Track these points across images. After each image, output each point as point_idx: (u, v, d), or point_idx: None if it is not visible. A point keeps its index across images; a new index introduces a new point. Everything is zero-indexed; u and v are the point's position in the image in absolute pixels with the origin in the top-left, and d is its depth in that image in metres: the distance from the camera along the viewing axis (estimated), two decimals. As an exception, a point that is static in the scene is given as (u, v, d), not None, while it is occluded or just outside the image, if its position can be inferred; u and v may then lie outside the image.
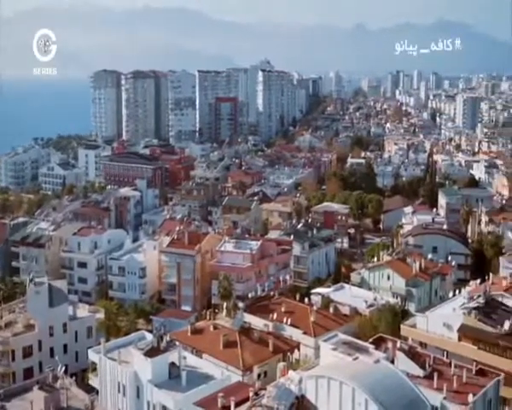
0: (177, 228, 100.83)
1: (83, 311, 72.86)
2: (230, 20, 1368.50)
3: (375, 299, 73.04)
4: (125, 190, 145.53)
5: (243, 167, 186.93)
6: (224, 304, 68.75)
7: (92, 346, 60.10)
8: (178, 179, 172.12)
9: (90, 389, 55.81)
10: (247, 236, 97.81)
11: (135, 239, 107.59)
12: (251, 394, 46.27)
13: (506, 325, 57.47)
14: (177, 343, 53.94)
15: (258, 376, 55.28)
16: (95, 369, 55.86)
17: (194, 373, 50.83)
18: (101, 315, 74.06)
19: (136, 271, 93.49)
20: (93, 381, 56.36)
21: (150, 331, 61.84)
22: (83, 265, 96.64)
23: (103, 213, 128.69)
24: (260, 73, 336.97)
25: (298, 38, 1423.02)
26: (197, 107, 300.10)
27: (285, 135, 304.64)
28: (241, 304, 68.36)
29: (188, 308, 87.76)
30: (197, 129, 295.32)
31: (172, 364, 50.05)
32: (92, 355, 55.90)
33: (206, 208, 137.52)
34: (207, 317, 66.62)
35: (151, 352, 49.64)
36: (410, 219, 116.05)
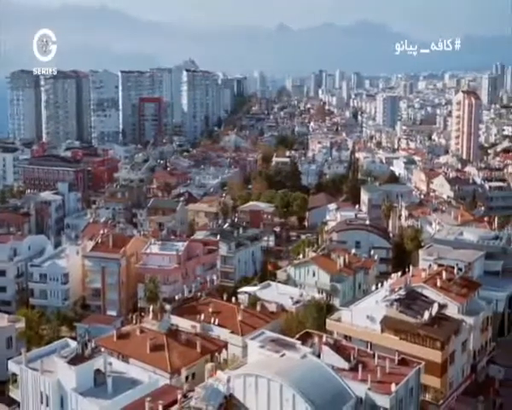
0: (101, 232, 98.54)
1: (2, 321, 69.99)
2: (153, 20, 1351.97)
3: (301, 295, 74.14)
4: (46, 194, 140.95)
5: (168, 168, 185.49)
6: (151, 307, 67.62)
7: (13, 357, 57.69)
8: (102, 182, 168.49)
9: (11, 402, 53.86)
10: (173, 237, 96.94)
11: (57, 244, 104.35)
12: (179, 396, 45.96)
13: (426, 315, 59.59)
14: (103, 349, 52.81)
15: (187, 378, 54.90)
16: (15, 380, 53.76)
17: (120, 379, 49.79)
18: (21, 324, 71.27)
19: (58, 277, 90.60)
20: (14, 393, 54.21)
21: (74, 339, 60.15)
22: (1, 273, 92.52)
23: (23, 218, 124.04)
24: (185, 73, 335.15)
25: (221, 38, 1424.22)
26: (120, 107, 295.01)
27: (210, 135, 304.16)
28: (167, 306, 67.58)
29: (113, 313, 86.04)
30: (120, 130, 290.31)
31: (98, 371, 48.87)
32: (12, 366, 53.70)
33: (131, 211, 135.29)
34: (134, 321, 65.39)
35: (75, 359, 48.30)
36: (334, 215, 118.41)
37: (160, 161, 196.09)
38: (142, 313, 72.26)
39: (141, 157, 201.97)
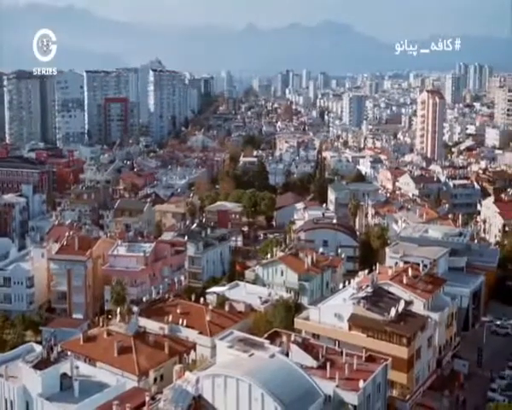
0: (67, 234, 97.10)
1: (-36, 327, 68.46)
2: (120, 20, 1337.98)
3: (269, 295, 74.27)
4: (9, 197, 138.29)
5: (135, 169, 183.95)
6: (118, 309, 67.10)
7: (-25, 363, 56.41)
8: (67, 183, 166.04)
9: (-26, 409, 52.48)
10: (140, 238, 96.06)
11: (21, 247, 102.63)
12: (147, 399, 45.62)
13: (392, 312, 60.39)
14: (69, 353, 51.99)
15: (155, 380, 54.58)
16: (-22, 387, 52.56)
17: (87, 383, 49.17)
18: (-16, 330, 69.93)
19: (22, 280, 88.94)
20: (-23, 400, 53.05)
21: (40, 343, 59.09)
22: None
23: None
24: (151, 73, 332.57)
25: (188, 37, 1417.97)
26: (85, 108, 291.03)
27: (177, 135, 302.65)
28: (135, 308, 66.99)
29: (79, 316, 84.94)
30: (86, 131, 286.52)
31: (64, 375, 48.17)
32: (-25, 373, 52.53)
33: (98, 212, 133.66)
34: (100, 324, 64.78)
35: (40, 364, 47.53)
36: (302, 214, 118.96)
37: (126, 162, 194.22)
38: (109, 316, 71.89)
39: (107, 158, 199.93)
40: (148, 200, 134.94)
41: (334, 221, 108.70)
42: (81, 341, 60.01)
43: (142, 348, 57.73)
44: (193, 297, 72.30)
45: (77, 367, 49.91)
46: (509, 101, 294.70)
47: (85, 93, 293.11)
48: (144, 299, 71.89)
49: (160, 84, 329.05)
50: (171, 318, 64.30)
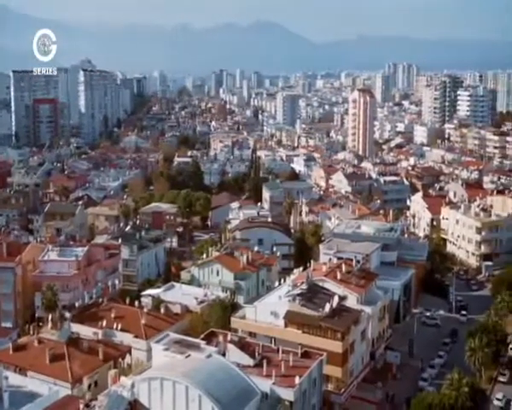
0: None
1: None
2: (51, 18, 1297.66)
3: (205, 295, 74.09)
4: None
5: (66, 171, 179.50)
6: (49, 316, 65.34)
7: None
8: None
9: None
10: (72, 242, 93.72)
11: None
12: (81, 406, 44.87)
13: (327, 308, 61.47)
14: (-3, 363, 50.30)
15: (89, 386, 53.51)
16: None
17: (17, 393, 47.48)
18: None
19: None
20: None
21: (-34, 354, 56.82)
22: None
23: None
24: (82, 73, 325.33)
25: (120, 36, 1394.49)
26: (13, 109, 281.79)
27: (110, 136, 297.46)
28: (67, 314, 65.43)
29: (8, 325, 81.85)
30: (13, 133, 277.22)
31: (-8, 386, 46.42)
32: None
33: (27, 217, 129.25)
34: (31, 332, 62.78)
35: (-34, 376, 45.66)
36: (237, 214, 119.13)
37: (56, 164, 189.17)
38: (41, 323, 69.80)
39: (36, 160, 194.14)
40: (80, 203, 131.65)
41: (269, 220, 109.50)
42: (10, 350, 58.15)
43: (75, 355, 56.41)
44: (127, 300, 71.20)
45: (6, 378, 48.09)
46: (435, 99, 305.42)
47: (12, 94, 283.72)
48: (77, 304, 70.26)
49: (91, 85, 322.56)
50: (105, 322, 63.09)
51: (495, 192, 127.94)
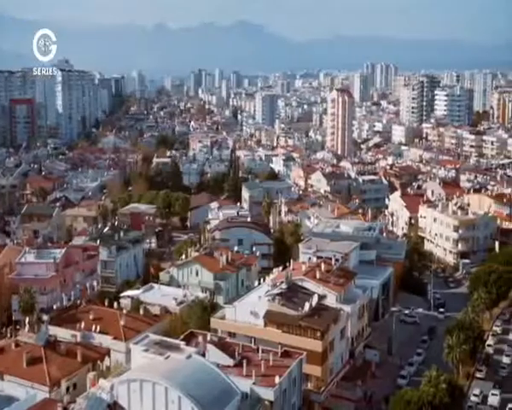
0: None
1: None
2: (28, 18, 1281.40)
3: (184, 296, 73.84)
4: None
5: (43, 173, 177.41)
6: (27, 319, 64.59)
7: None
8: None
9: None
10: (49, 244, 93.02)
11: None
12: (60, 409, 44.36)
13: (306, 307, 61.66)
14: (-27, 368, 49.63)
15: (67, 389, 53.00)
16: None
17: (-6, 398, 47.16)
18: None
19: None
20: None
21: None
22: None
23: None
24: (59, 73, 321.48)
25: (98, 36, 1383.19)
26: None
27: (88, 137, 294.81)
28: (45, 317, 64.74)
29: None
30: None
31: (-32, 391, 45.89)
32: None
33: (3, 218, 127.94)
34: (8, 335, 62.15)
35: None
36: (216, 214, 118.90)
37: (33, 166, 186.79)
38: (18, 326, 69.08)
39: (12, 162, 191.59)
40: (58, 204, 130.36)
41: (249, 219, 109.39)
42: (-13, 354, 57.30)
43: (53, 358, 55.79)
44: (106, 302, 70.64)
45: (-18, 382, 47.71)
46: (413, 99, 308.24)
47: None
48: (55, 307, 69.73)
49: (69, 85, 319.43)
50: (83, 324, 62.57)
51: (472, 191, 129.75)
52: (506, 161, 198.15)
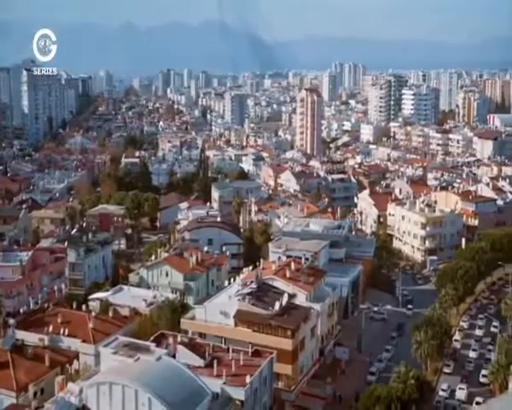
0: None
1: None
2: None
3: (154, 297, 73.34)
4: None
5: (9, 174, 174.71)
6: (-7, 323, 63.37)
7: None
8: None
9: None
10: (15, 247, 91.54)
11: None
12: (27, 414, 43.64)
13: (276, 306, 61.86)
14: None
15: (35, 394, 52.05)
16: None
17: (-41, 405, 46.19)
18: None
19: None
20: None
21: None
22: None
23: None
24: (25, 73, 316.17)
25: (64, 35, 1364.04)
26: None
27: (55, 137, 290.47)
28: (11, 321, 63.43)
29: (-51, 334, 79.06)
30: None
31: None
32: None
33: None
34: (-27, 340, 60.71)
35: None
36: (186, 214, 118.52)
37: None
38: (-17, 332, 67.52)
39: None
40: (24, 206, 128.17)
41: (219, 219, 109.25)
42: (-49, 359, 56.00)
43: (20, 362, 54.82)
44: (74, 305, 69.84)
45: None
46: (381, 98, 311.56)
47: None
48: (21, 310, 68.48)
49: (35, 85, 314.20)
50: (51, 328, 61.73)
51: (438, 188, 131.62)
52: (471, 158, 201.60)
